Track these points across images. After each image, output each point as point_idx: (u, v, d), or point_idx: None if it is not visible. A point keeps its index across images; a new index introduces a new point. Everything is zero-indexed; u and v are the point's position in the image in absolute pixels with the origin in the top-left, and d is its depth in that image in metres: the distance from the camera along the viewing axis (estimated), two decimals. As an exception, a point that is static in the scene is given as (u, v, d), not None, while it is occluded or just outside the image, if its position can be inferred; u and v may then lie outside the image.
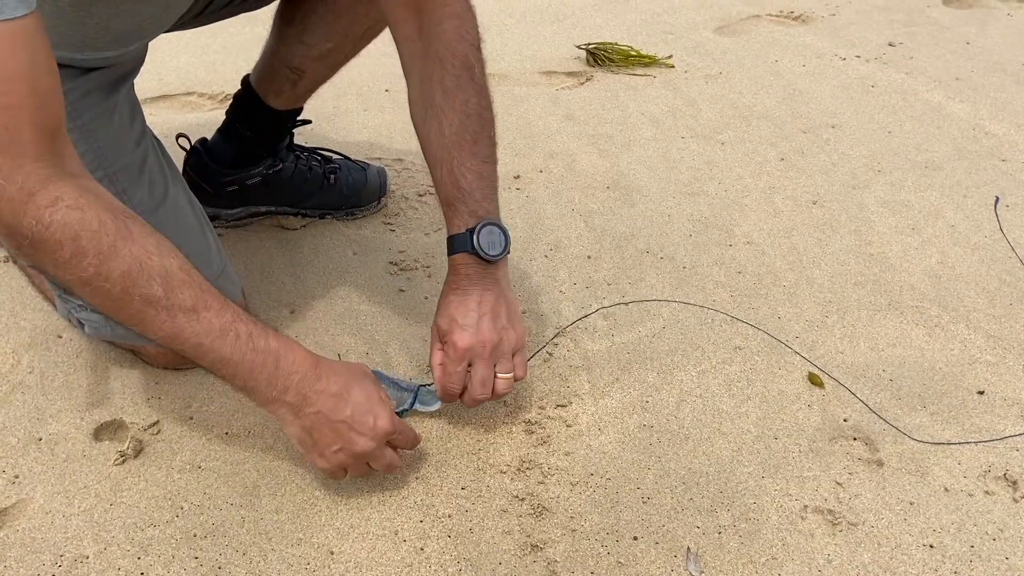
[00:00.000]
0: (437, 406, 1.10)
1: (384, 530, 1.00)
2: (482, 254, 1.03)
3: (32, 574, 0.93)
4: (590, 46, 2.20)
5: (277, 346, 0.90)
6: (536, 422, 1.15)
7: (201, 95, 1.92)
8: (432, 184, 1.10)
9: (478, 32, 1.08)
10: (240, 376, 0.89)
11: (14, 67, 0.76)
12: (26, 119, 0.77)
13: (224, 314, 0.87)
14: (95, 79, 1.09)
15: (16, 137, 0.77)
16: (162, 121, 1.76)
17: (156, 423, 1.11)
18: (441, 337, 1.05)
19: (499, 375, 1.04)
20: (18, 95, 0.77)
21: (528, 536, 1.00)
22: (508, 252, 1.06)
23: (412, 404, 1.10)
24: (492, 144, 1.07)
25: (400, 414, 1.10)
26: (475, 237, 1.03)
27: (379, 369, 1.17)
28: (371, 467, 0.98)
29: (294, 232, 1.50)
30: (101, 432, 1.10)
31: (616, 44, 2.21)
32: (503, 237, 1.05)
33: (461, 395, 1.05)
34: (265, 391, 0.90)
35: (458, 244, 1.04)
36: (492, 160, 1.07)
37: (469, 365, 1.03)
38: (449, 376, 1.03)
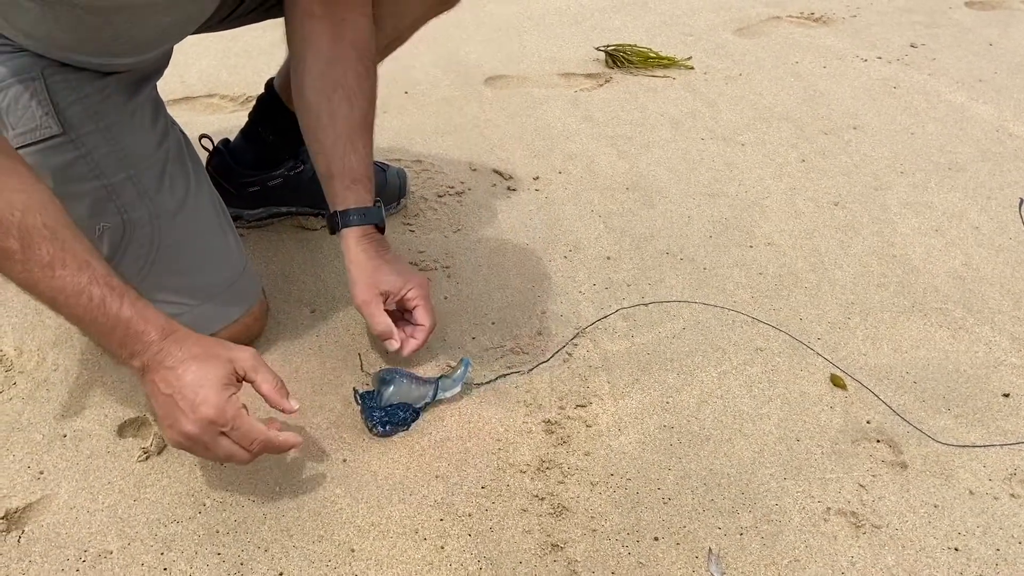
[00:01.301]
0: (457, 389, 1.16)
1: (404, 528, 1.00)
2: (382, 226, 1.18)
3: (56, 569, 0.94)
4: (609, 48, 2.20)
5: (130, 314, 0.91)
6: (556, 422, 1.15)
7: (223, 97, 1.93)
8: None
9: None
10: (93, 335, 0.93)
11: None
12: None
13: (80, 275, 0.88)
14: (116, 81, 1.10)
15: None
16: (184, 123, 1.75)
17: (179, 420, 1.12)
18: (401, 286, 1.15)
19: None
20: None
21: (548, 536, 0.99)
22: None
23: (434, 395, 1.14)
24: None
25: (424, 407, 1.14)
26: (383, 212, 1.18)
27: (399, 368, 1.18)
28: (215, 453, 0.93)
29: (315, 232, 1.50)
30: (125, 429, 1.11)
31: (635, 46, 2.21)
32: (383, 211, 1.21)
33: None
34: (118, 352, 0.93)
35: (371, 216, 1.16)
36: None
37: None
38: (433, 312, 1.18)
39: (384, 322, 1.15)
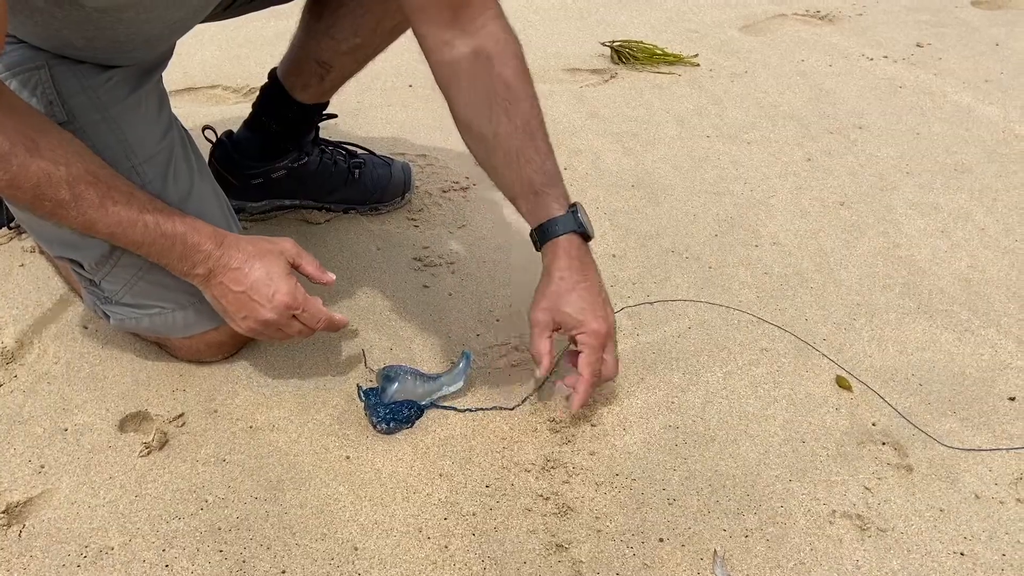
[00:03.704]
0: (460, 383, 1.15)
1: (408, 527, 0.99)
2: (589, 231, 1.09)
3: (58, 565, 0.93)
4: (615, 44, 2.19)
5: (184, 229, 1.01)
6: (561, 421, 1.14)
7: (226, 88, 1.92)
8: (482, 181, 1.16)
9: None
10: (154, 255, 1.02)
11: None
12: None
13: (130, 208, 0.97)
14: (120, 72, 1.09)
15: None
16: (187, 114, 1.75)
17: (181, 415, 1.11)
18: (574, 326, 1.06)
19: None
20: None
21: (553, 536, 0.99)
22: None
23: (439, 392, 1.14)
24: (547, 132, 1.12)
25: (428, 404, 1.14)
26: (579, 216, 1.07)
27: (403, 364, 1.17)
28: (286, 333, 1.08)
29: (318, 226, 1.49)
30: (126, 423, 1.11)
31: (641, 42, 2.20)
32: (588, 217, 1.11)
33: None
34: (178, 267, 1.03)
35: (563, 225, 1.07)
36: (552, 147, 1.11)
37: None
38: (595, 366, 1.06)
39: (539, 347, 1.07)
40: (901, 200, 1.66)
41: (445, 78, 1.09)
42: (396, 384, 1.12)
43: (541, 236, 1.09)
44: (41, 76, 1.02)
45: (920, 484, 1.08)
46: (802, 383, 1.22)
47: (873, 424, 1.16)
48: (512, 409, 1.15)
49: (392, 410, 1.11)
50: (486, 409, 1.15)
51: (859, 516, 1.03)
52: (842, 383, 1.22)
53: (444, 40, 1.07)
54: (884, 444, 1.13)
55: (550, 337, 1.08)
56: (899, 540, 1.01)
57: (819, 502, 1.05)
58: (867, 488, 1.07)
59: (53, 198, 0.94)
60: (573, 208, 1.08)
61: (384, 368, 1.15)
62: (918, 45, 2.34)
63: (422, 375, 1.15)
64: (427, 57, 1.10)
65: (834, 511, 1.03)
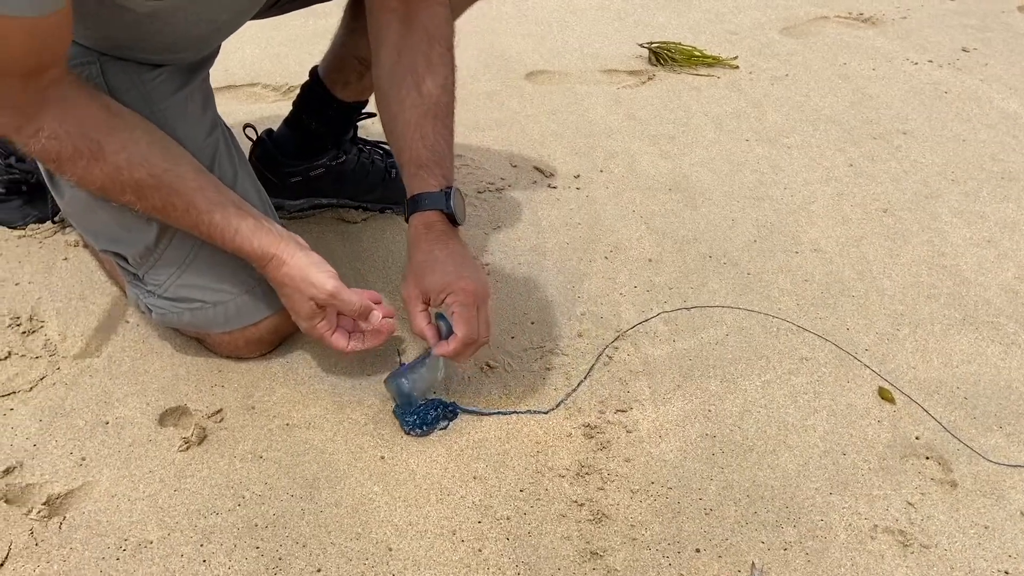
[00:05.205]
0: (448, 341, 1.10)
1: (442, 529, 0.99)
2: (456, 215, 1.10)
3: (97, 557, 0.94)
4: (653, 45, 2.17)
5: (233, 247, 1.05)
6: (596, 426, 1.13)
7: (265, 86, 1.93)
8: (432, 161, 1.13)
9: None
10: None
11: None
12: (16, 71, 0.88)
13: (187, 216, 1.03)
14: (168, 70, 1.10)
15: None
16: (226, 112, 1.76)
17: (219, 411, 1.12)
18: (441, 290, 1.07)
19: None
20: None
21: (588, 543, 0.98)
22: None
23: (442, 369, 1.14)
24: (454, 121, 1.16)
25: (441, 380, 1.15)
26: (451, 199, 1.10)
27: (402, 365, 1.16)
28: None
29: (355, 225, 1.50)
30: (166, 418, 1.12)
31: (679, 44, 2.17)
32: (464, 205, 1.15)
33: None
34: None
35: (432, 202, 1.10)
36: (453, 134, 1.15)
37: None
38: (471, 323, 1.06)
39: (416, 324, 1.10)
40: (946, 208, 1.62)
41: (377, 39, 1.16)
42: (401, 389, 1.10)
43: (410, 209, 1.11)
44: (92, 71, 1.04)
45: (964, 500, 1.05)
46: (843, 394, 1.20)
47: (917, 438, 1.14)
48: (547, 413, 1.14)
49: (419, 415, 1.10)
50: (520, 412, 1.14)
51: (902, 532, 1.01)
52: (885, 395, 1.20)
53: (390, 7, 1.13)
54: (928, 458, 1.11)
55: (424, 311, 1.10)
56: (942, 557, 0.98)
57: (860, 516, 1.03)
58: (910, 503, 1.04)
59: (118, 199, 1.01)
60: (448, 189, 1.10)
61: (388, 378, 1.13)
62: (964, 50, 2.30)
63: (416, 364, 1.12)
64: (368, 15, 1.17)
65: (876, 526, 1.01)
